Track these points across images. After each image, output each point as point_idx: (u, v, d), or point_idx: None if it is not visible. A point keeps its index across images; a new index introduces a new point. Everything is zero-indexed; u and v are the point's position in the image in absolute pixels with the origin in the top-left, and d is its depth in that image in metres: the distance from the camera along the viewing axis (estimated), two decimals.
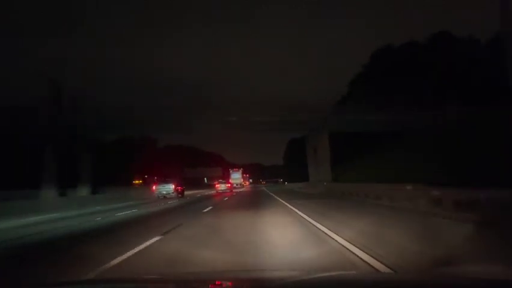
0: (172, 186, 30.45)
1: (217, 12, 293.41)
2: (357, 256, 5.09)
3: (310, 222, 9.05)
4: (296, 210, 12.60)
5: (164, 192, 30.04)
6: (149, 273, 4.52)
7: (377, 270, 4.32)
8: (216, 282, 2.50)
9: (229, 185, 44.42)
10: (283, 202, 17.52)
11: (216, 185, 43.68)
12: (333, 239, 6.54)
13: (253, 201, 19.94)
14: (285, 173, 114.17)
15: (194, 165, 68.81)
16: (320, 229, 7.83)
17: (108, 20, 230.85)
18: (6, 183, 28.31)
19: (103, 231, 9.76)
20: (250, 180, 63.57)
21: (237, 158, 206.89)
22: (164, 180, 31.91)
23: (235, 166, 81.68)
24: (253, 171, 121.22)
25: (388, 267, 4.42)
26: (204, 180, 53.54)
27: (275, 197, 23.61)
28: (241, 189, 49.07)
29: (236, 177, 62.58)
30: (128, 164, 53.53)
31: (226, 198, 25.98)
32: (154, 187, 31.56)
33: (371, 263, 4.65)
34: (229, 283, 2.47)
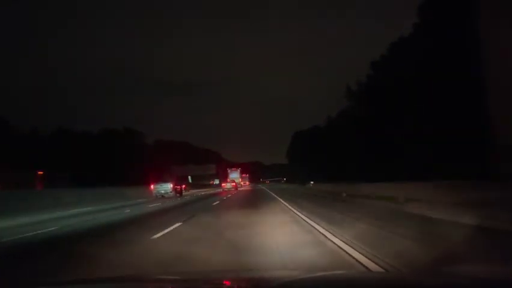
0: (170, 186, 30.14)
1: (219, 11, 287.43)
2: None
3: None
4: None
5: (163, 191, 29.57)
6: (149, 273, 4.50)
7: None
8: (216, 282, 2.45)
9: (234, 183, 51.36)
10: None
11: (223, 185, 51.50)
12: None
13: None
14: (288, 172, 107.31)
15: (187, 163, 61.48)
16: None
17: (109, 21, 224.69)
18: None
19: None
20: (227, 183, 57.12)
21: (236, 156, 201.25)
22: (162, 179, 31.16)
23: (234, 165, 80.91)
24: (253, 170, 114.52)
25: None
26: (188, 179, 44.65)
27: None
28: (240, 189, 49.69)
29: (234, 177, 60.29)
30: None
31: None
32: (151, 186, 30.55)
33: None
34: (229, 283, 2.40)
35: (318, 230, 7.29)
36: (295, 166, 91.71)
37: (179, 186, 32.72)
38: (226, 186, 48.81)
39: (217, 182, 68.31)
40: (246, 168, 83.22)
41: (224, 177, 62.01)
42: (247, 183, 74.78)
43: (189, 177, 44.49)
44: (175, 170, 48.90)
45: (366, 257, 4.76)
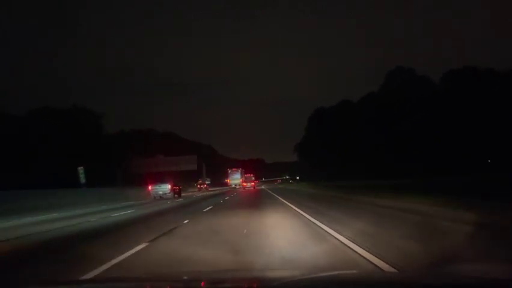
0: (168, 186, 30.19)
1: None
2: None
3: None
4: None
5: (161, 192, 29.82)
6: (149, 273, 4.52)
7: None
8: (216, 282, 2.44)
9: (253, 183, 55.85)
10: None
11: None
12: None
13: None
14: (295, 170, 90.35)
15: (171, 156, 45.42)
16: None
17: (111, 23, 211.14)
18: None
19: None
20: (247, 182, 55.31)
21: (234, 153, 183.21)
22: (161, 180, 31.06)
23: (234, 165, 73.65)
24: (254, 168, 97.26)
25: None
26: (207, 179, 32.59)
27: None
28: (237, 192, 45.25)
29: (236, 177, 56.19)
30: None
31: None
32: (149, 187, 30.58)
33: None
34: (229, 283, 2.42)
35: None
36: (309, 161, 73.79)
37: (177, 187, 32.72)
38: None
39: (208, 181, 51.40)
40: (249, 167, 68.36)
41: (219, 175, 54.17)
42: (256, 182, 63.95)
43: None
44: (137, 163, 34.15)
45: None
